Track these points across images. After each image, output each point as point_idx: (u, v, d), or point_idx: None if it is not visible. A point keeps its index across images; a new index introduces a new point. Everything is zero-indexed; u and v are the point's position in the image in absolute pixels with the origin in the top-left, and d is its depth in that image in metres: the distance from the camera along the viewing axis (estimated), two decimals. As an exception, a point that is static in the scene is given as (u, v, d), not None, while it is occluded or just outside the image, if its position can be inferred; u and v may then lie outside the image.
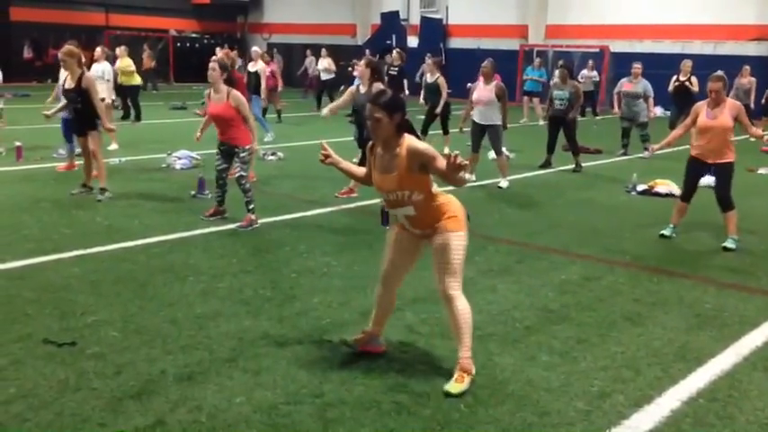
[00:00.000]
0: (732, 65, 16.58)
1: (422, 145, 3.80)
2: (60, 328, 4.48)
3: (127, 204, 8.08)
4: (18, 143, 10.75)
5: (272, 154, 11.82)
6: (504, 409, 3.64)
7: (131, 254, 6.17)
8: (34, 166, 10.15)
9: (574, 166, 11.52)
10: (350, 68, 17.92)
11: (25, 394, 3.64)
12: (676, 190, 9.56)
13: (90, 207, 7.87)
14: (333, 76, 20.32)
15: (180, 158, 10.69)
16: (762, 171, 11.58)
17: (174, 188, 9.05)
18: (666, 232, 7.24)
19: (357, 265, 5.99)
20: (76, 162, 9.67)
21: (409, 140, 3.80)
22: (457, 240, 3.84)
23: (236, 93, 7.20)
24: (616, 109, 13.47)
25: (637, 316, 5.03)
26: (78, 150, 8.95)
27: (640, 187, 9.70)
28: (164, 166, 10.58)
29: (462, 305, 3.85)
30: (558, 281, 5.77)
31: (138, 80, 15.95)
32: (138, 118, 15.87)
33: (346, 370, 4.02)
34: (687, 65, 14.19)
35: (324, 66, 20.23)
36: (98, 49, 12.14)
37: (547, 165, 11.68)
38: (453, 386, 3.77)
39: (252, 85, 12.97)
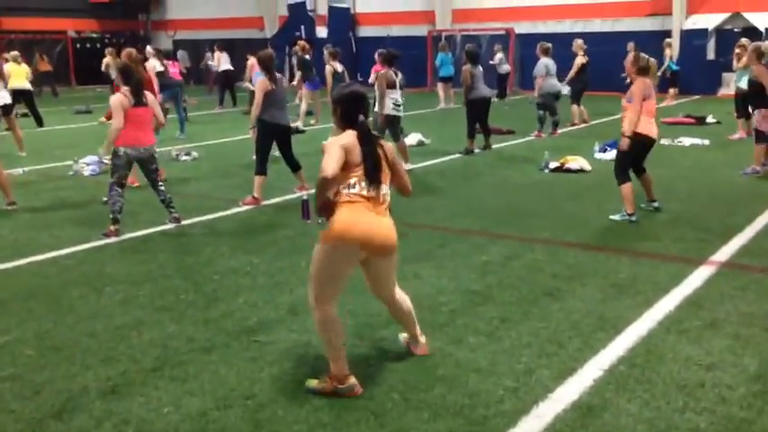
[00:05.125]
0: (630, 40, 17.24)
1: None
2: (-30, 352, 4.27)
3: (34, 216, 7.74)
4: None
5: (186, 154, 11.53)
6: (435, 392, 3.69)
7: (42, 267, 5.92)
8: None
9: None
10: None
11: (-64, 425, 3.45)
12: (587, 165, 9.91)
13: (-6, 221, 7.50)
14: (230, 67, 19.93)
15: (88, 164, 10.31)
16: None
17: (84, 196, 8.72)
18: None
19: (280, 262, 5.93)
20: None
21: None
22: (315, 251, 3.71)
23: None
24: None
25: (556, 291, 5.17)
26: None
27: (552, 164, 9.97)
28: (71, 173, 10.18)
29: (315, 317, 3.72)
30: (479, 262, 5.88)
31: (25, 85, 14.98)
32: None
33: (276, 368, 3.98)
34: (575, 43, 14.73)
35: (217, 59, 19.87)
36: None
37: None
38: (310, 381, 3.75)
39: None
